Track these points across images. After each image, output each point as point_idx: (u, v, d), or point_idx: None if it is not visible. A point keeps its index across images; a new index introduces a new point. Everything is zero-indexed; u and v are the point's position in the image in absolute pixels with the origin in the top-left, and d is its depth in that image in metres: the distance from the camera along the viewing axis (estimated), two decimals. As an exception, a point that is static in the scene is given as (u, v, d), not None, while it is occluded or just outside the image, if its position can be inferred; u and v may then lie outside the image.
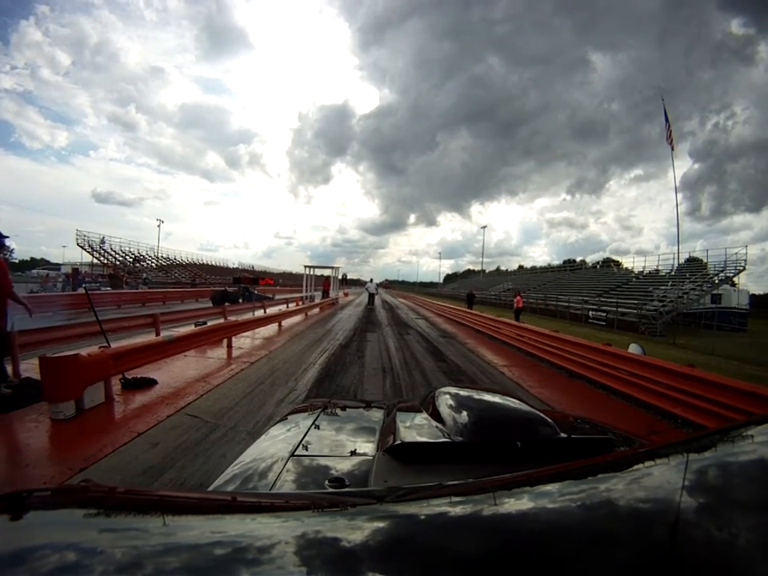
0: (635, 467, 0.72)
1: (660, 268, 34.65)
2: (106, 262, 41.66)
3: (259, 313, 15.33)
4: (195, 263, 60.70)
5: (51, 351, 5.47)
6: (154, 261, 50.64)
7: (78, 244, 41.59)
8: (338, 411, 1.92)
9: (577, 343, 8.64)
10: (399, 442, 1.22)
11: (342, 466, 1.28)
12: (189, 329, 8.89)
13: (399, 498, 0.70)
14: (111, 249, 44.23)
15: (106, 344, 5.94)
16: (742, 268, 28.33)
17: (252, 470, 1.29)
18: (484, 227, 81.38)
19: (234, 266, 72.70)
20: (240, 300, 21.90)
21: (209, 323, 9.92)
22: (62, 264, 46.15)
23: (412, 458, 1.17)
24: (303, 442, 1.45)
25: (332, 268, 39.03)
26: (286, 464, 1.26)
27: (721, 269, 28.68)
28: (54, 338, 7.54)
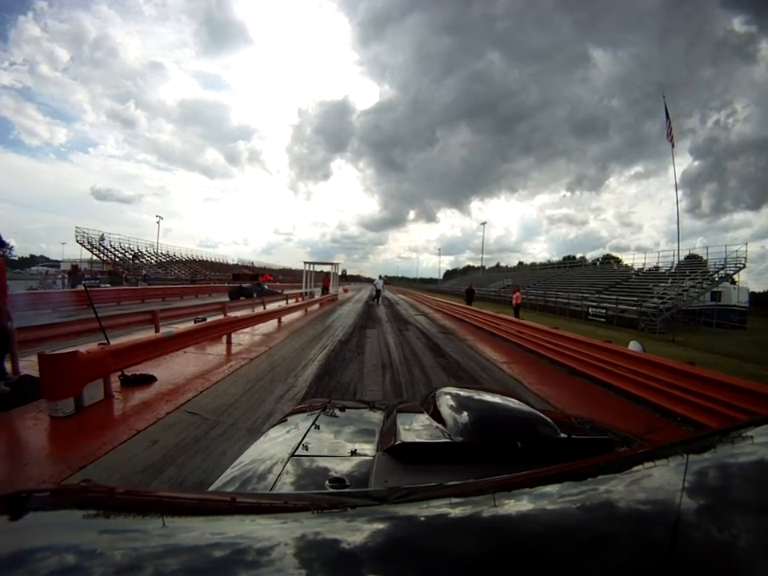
0: (635, 468, 0.72)
1: (660, 265, 34.61)
2: (105, 258, 41.66)
3: (258, 309, 15.32)
4: (195, 260, 60.72)
5: (50, 348, 5.46)
6: (153, 257, 50.61)
7: (77, 241, 41.65)
8: (338, 412, 1.91)
9: (577, 340, 8.64)
10: (399, 442, 1.21)
11: (342, 466, 1.28)
12: (188, 325, 8.90)
13: (399, 499, 0.70)
14: (111, 246, 44.26)
15: (105, 341, 5.93)
16: (742, 265, 28.34)
17: (252, 471, 1.28)
18: (484, 223, 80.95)
19: (234, 263, 72.79)
20: (254, 294, 23.13)
21: (208, 319, 9.96)
22: (62, 261, 46.00)
23: (412, 458, 1.17)
24: (303, 443, 1.43)
25: (331, 264, 39.07)
26: (285, 465, 1.26)
27: (721, 266, 28.66)
28: (54, 335, 7.55)
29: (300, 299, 23.57)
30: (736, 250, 28.11)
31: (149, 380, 6.19)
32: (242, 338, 10.64)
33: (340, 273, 44.74)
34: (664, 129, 26.91)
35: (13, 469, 3.57)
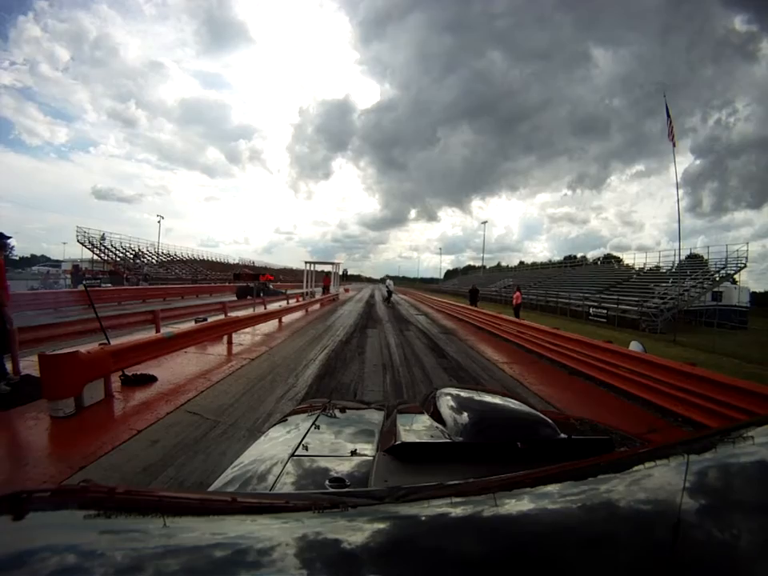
0: (636, 468, 0.72)
1: (661, 265, 34.50)
2: (106, 258, 41.62)
3: (259, 309, 15.31)
4: (196, 259, 60.64)
5: (51, 348, 5.47)
6: (154, 257, 50.59)
7: (78, 241, 41.51)
8: (338, 412, 1.92)
9: (577, 340, 8.62)
10: (400, 441, 1.21)
11: (343, 466, 1.28)
12: (189, 325, 8.91)
13: (400, 499, 0.70)
14: (111, 245, 44.20)
15: (106, 341, 5.93)
16: (743, 265, 28.20)
17: (252, 471, 1.28)
18: (484, 222, 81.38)
19: (235, 262, 72.65)
20: (261, 294, 23.01)
21: (209, 320, 9.97)
22: (63, 261, 46.03)
23: (412, 458, 1.17)
24: (303, 443, 1.43)
25: (332, 264, 39.06)
26: (285, 465, 1.25)
27: (722, 266, 28.56)
28: (54, 335, 7.56)
29: (301, 299, 23.59)
30: (737, 250, 27.99)
31: (149, 380, 6.19)
32: (243, 338, 10.65)
33: (341, 272, 44.68)
34: (665, 127, 26.89)
35: (13, 469, 3.58)
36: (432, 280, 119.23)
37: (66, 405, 4.72)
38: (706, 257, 30.83)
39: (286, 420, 1.86)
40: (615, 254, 63.53)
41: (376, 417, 1.80)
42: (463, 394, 1.57)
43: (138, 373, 6.22)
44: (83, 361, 4.88)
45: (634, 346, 8.05)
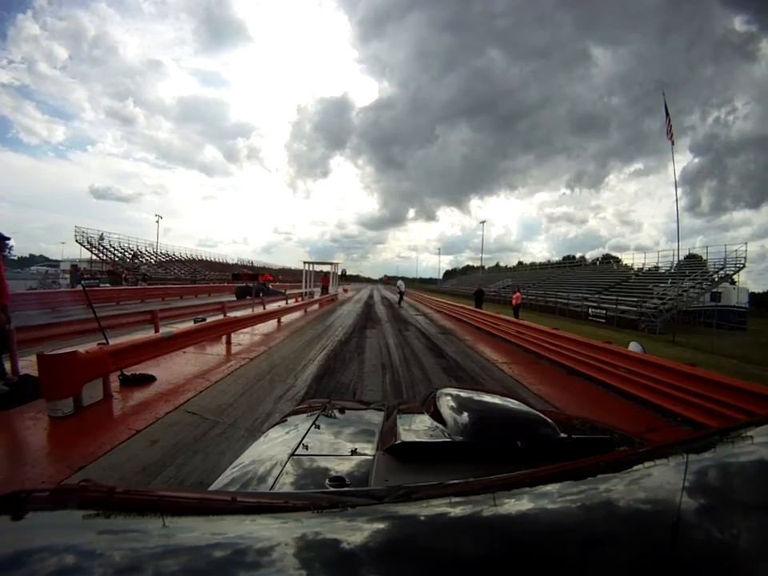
0: (635, 467, 0.72)
1: (660, 265, 34.53)
2: (105, 258, 41.54)
3: (258, 309, 15.29)
4: (194, 259, 60.52)
5: (50, 348, 5.45)
6: (152, 257, 50.50)
7: (76, 240, 41.47)
8: (338, 412, 1.92)
9: (577, 341, 8.63)
10: (399, 441, 1.21)
11: (343, 465, 1.28)
12: (188, 325, 8.90)
13: (399, 498, 0.70)
14: (110, 245, 44.12)
15: (105, 341, 5.92)
16: (741, 266, 28.30)
17: (252, 471, 1.28)
18: (483, 222, 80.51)
19: (234, 262, 72.56)
20: (260, 294, 22.97)
21: (208, 320, 9.96)
22: (61, 261, 45.85)
23: (412, 458, 1.17)
24: (303, 443, 1.43)
25: (331, 264, 39.03)
26: (285, 464, 1.25)
27: (720, 266, 28.61)
28: (53, 334, 7.54)
29: (300, 299, 23.58)
30: (735, 250, 28.07)
31: (148, 380, 6.18)
32: (242, 338, 10.64)
33: (339, 272, 44.63)
34: (664, 126, 26.85)
35: (12, 469, 3.56)
36: (431, 280, 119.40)
37: (64, 405, 4.70)
38: (704, 257, 30.96)
39: (286, 420, 1.86)
40: (614, 253, 63.52)
41: (376, 417, 1.80)
42: (463, 393, 1.57)
43: (137, 373, 6.20)
44: (82, 361, 4.87)
45: (633, 347, 8.05)
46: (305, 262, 33.84)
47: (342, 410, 1.95)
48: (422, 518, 0.60)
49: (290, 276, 69.41)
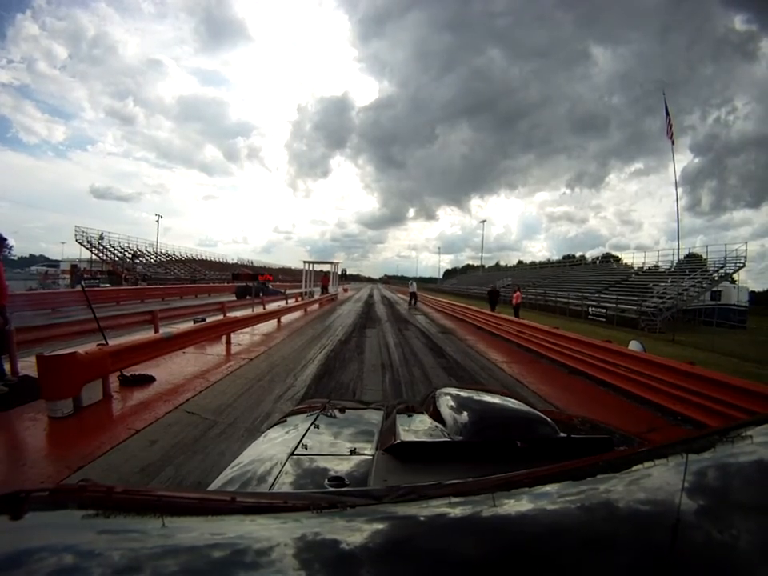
0: (635, 467, 0.72)
1: (660, 264, 34.49)
2: (105, 258, 41.47)
3: (258, 309, 15.28)
4: (194, 259, 60.39)
5: (50, 349, 5.45)
6: (152, 257, 50.40)
7: (76, 240, 41.31)
8: (337, 412, 1.92)
9: (577, 340, 8.62)
10: (399, 440, 1.21)
11: (342, 465, 1.28)
12: (187, 325, 8.90)
13: (398, 498, 0.70)
14: (110, 245, 44.03)
15: (104, 341, 5.92)
16: (741, 264, 28.21)
17: (251, 471, 1.28)
18: (483, 221, 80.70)
19: (234, 262, 72.40)
20: (260, 294, 23.01)
21: (207, 320, 9.95)
22: (61, 261, 45.77)
23: (412, 457, 1.17)
24: (302, 442, 1.43)
25: (331, 263, 38.96)
26: (285, 464, 1.25)
27: (720, 265, 28.55)
28: (53, 335, 7.54)
29: (300, 299, 23.57)
30: (736, 249, 28.00)
31: (148, 380, 6.18)
32: (242, 338, 10.65)
33: (340, 272, 44.54)
34: (664, 126, 26.86)
35: (11, 469, 3.57)
36: (431, 279, 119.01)
37: (64, 405, 4.70)
38: (705, 256, 30.89)
39: (286, 420, 1.85)
40: (614, 253, 63.24)
41: (375, 416, 1.79)
42: (463, 393, 1.57)
43: (137, 373, 6.20)
44: (81, 361, 4.87)
45: (634, 345, 8.03)
46: (305, 262, 33.77)
47: (341, 410, 1.95)
48: (422, 518, 0.60)
49: (290, 275, 69.43)
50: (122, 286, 29.39)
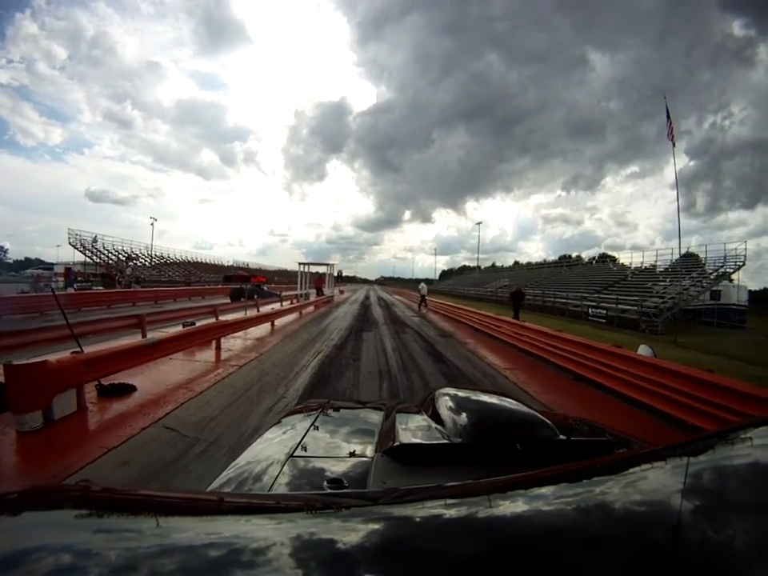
0: (634, 470, 0.72)
1: (658, 263, 34.19)
2: (98, 261, 41.16)
3: (251, 312, 14.87)
4: (190, 261, 60.06)
5: (30, 356, 5.04)
6: (147, 259, 50.08)
7: (69, 243, 41.02)
8: (337, 412, 1.92)
9: (584, 344, 8.23)
10: (398, 443, 1.22)
11: (341, 467, 1.27)
12: (175, 330, 8.47)
13: (395, 500, 0.69)
14: (104, 248, 43.74)
15: (79, 349, 5.49)
16: (741, 263, 28.05)
17: (249, 472, 1.27)
18: (479, 223, 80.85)
19: (229, 264, 72.35)
20: (255, 296, 22.96)
21: (198, 323, 9.51)
22: (55, 264, 45.43)
23: (411, 460, 1.17)
24: (301, 444, 1.42)
25: (327, 265, 38.52)
26: (284, 465, 1.24)
27: (720, 264, 28.36)
28: (33, 341, 7.11)
29: (295, 301, 23.17)
30: (735, 248, 27.83)
31: (128, 390, 5.77)
32: (233, 342, 10.20)
33: (336, 274, 44.04)
34: (664, 129, 26.79)
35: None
36: (427, 281, 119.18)
37: (32, 418, 4.35)
38: (703, 255, 30.68)
39: (285, 420, 1.84)
40: (610, 253, 63.27)
41: (374, 417, 1.79)
42: (462, 394, 1.58)
43: (117, 382, 5.79)
44: (52, 371, 4.51)
45: (644, 351, 7.71)
46: (300, 263, 33.23)
47: (341, 410, 1.97)
48: (418, 518, 0.60)
49: (286, 277, 69.20)
50: (115, 289, 29.16)
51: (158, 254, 53.99)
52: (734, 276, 29.32)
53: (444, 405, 1.46)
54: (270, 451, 1.42)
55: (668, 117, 26.31)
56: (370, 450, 1.35)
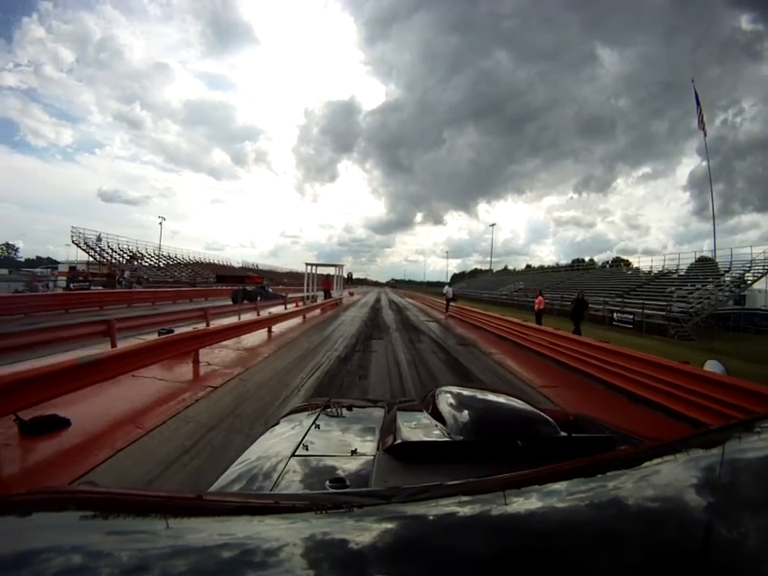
0: (641, 465, 0.71)
1: (680, 267, 32.88)
2: (101, 260, 40.34)
3: (248, 316, 13.43)
4: (200, 262, 59.61)
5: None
6: (153, 259, 49.28)
7: (72, 241, 40.47)
8: (338, 411, 1.86)
9: (641, 359, 6.64)
10: (400, 441, 1.20)
11: (343, 465, 1.24)
12: (135, 342, 6.94)
13: (406, 499, 0.68)
14: (108, 246, 42.97)
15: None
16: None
17: (253, 471, 1.24)
18: (492, 225, 79.83)
19: (239, 266, 71.93)
20: (258, 298, 22.43)
21: (185, 329, 7.98)
22: (60, 263, 44.79)
23: (413, 458, 1.15)
24: (304, 442, 1.38)
25: (335, 266, 36.97)
26: (286, 464, 1.21)
27: (747, 268, 26.85)
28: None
29: (300, 304, 21.73)
30: (764, 251, 26.25)
31: (58, 425, 4.32)
32: (218, 353, 8.67)
33: (345, 275, 42.49)
34: (695, 117, 25.11)
35: None
36: (438, 284, 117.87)
37: None
38: (724, 259, 29.27)
39: (286, 419, 1.80)
40: (622, 257, 61.89)
41: (376, 415, 1.75)
42: (463, 392, 1.56)
43: (46, 414, 4.35)
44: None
45: (712, 366, 6.34)
46: (306, 264, 31.67)
47: (342, 409, 1.90)
48: (430, 518, 0.59)
49: (297, 279, 68.58)
50: (115, 289, 28.25)
51: (165, 254, 53.43)
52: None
53: (445, 402, 1.45)
54: (271, 450, 1.40)
55: (698, 104, 24.58)
56: (371, 448, 1.32)
